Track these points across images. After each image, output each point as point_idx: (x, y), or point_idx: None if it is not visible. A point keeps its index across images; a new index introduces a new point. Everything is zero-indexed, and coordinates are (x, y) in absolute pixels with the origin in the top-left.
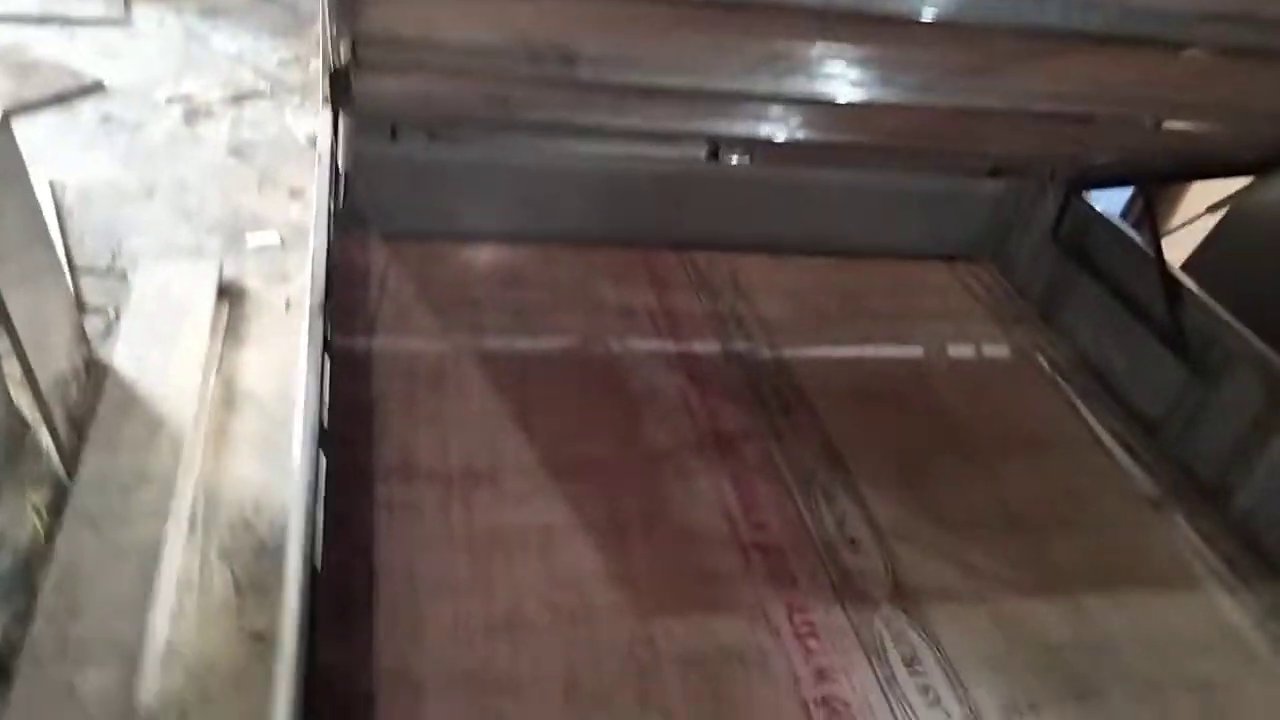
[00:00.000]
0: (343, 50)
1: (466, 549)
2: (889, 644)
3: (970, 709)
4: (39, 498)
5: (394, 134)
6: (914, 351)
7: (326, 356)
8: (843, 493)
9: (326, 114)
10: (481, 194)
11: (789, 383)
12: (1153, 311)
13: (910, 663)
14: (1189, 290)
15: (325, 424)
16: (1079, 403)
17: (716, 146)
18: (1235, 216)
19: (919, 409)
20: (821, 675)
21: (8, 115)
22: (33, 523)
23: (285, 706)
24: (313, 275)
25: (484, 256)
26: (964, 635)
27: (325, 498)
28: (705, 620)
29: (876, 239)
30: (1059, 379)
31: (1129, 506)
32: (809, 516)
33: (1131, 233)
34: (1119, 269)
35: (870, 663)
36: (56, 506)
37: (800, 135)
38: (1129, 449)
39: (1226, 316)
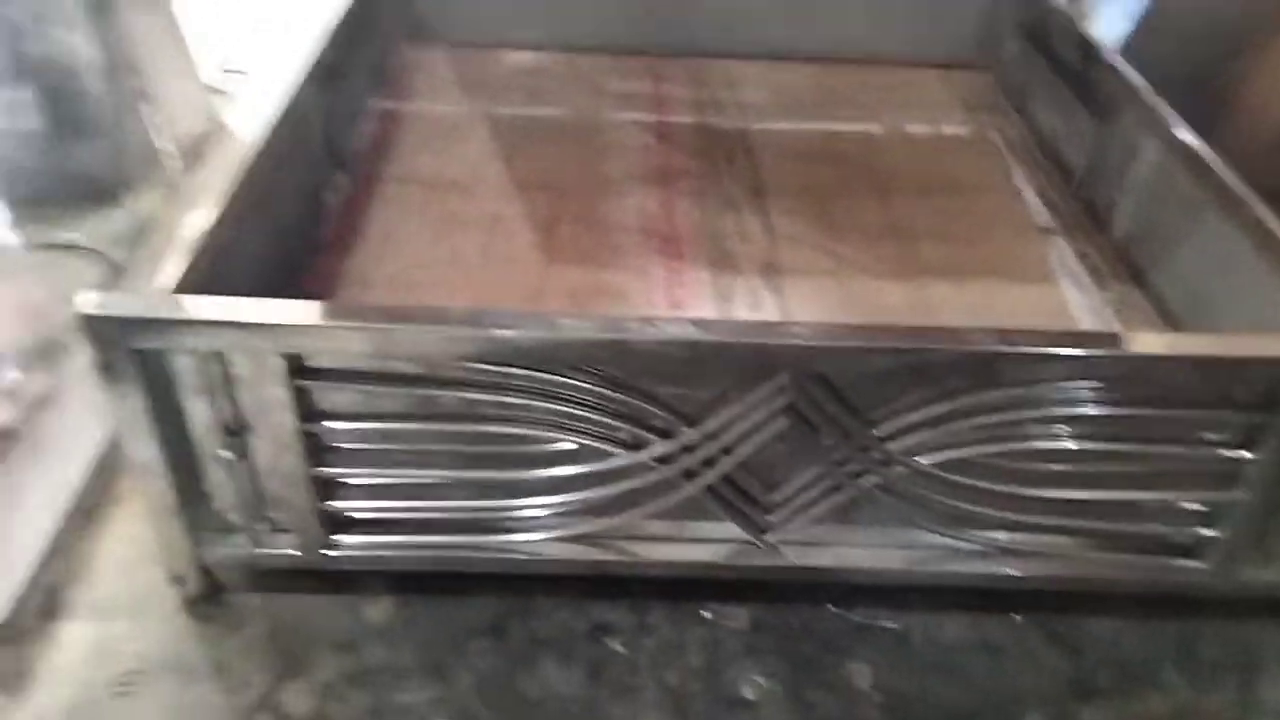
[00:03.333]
0: None
1: (431, 223)
2: (740, 292)
3: None
4: (162, 193)
5: None
6: (873, 128)
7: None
8: (752, 212)
9: None
10: (519, 10)
11: (743, 144)
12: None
13: (752, 306)
14: (1094, 45)
15: (350, 147)
16: (1014, 165)
17: None
18: None
19: (855, 165)
20: (674, 304)
21: None
22: (157, 204)
23: None
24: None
25: (512, 58)
26: (808, 295)
27: (339, 184)
28: (595, 271)
29: (874, 45)
30: (1004, 149)
31: (1017, 231)
32: (714, 222)
33: (1068, 12)
34: (1067, 51)
35: (718, 300)
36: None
37: None
38: (1042, 194)
39: (1114, 61)
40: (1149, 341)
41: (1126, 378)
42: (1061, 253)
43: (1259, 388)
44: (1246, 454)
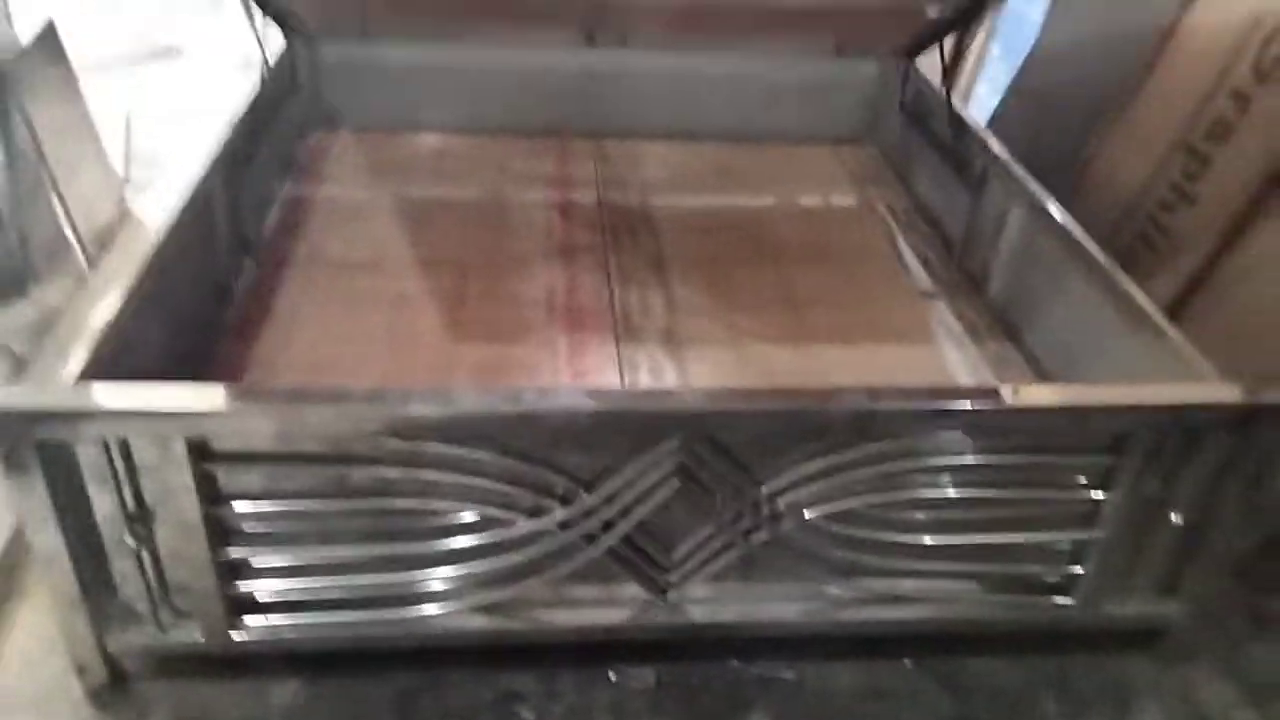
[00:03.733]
0: None
1: (339, 304)
2: (641, 361)
3: None
4: (70, 282)
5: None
6: (767, 201)
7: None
8: (654, 285)
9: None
10: (426, 95)
11: (644, 219)
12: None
13: (653, 372)
14: (965, 121)
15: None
16: (898, 233)
17: (592, 32)
18: (1026, 59)
19: (750, 237)
20: (578, 375)
21: (52, 24)
22: (65, 295)
23: None
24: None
25: (420, 140)
26: (706, 362)
27: (247, 269)
28: (501, 346)
29: (767, 125)
30: (890, 219)
31: (901, 295)
32: (618, 296)
33: (942, 91)
34: (942, 128)
35: (621, 370)
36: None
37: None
38: (924, 260)
39: (983, 136)
40: (1006, 394)
41: (990, 427)
42: (942, 315)
43: (1109, 433)
44: (1102, 494)
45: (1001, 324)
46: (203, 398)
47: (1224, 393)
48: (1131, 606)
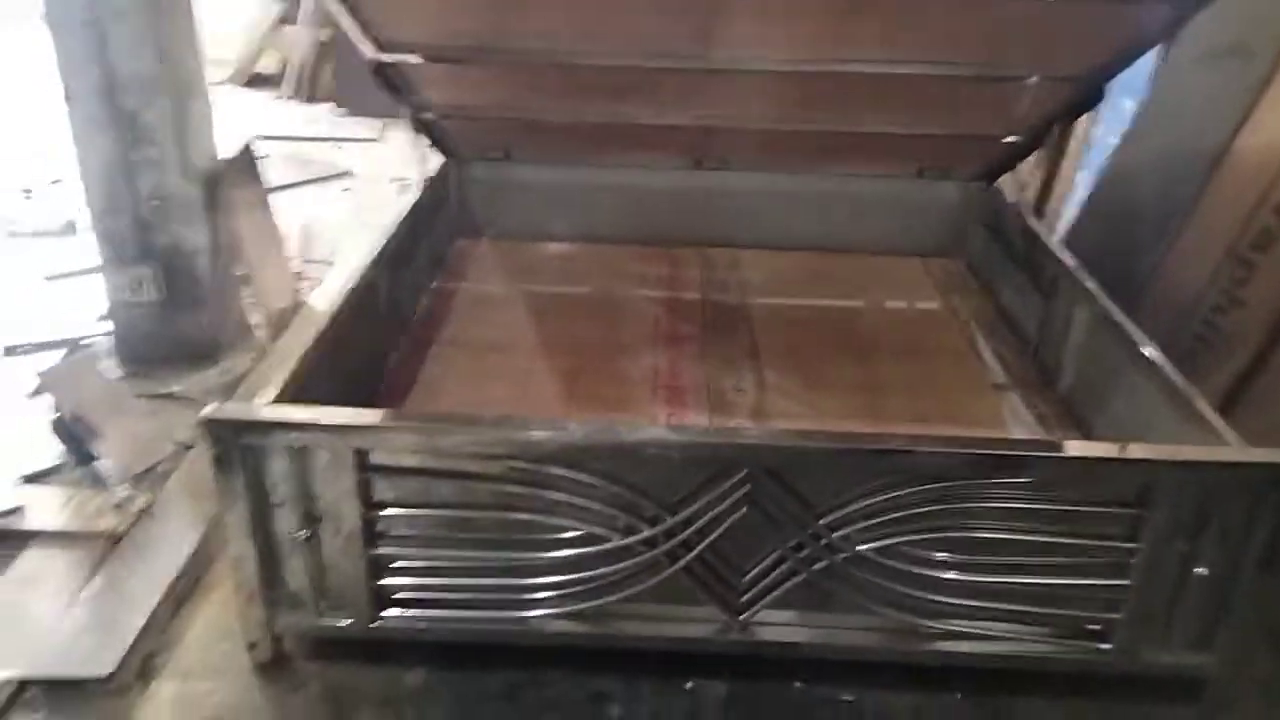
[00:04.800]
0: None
1: (475, 377)
2: None
3: None
4: (252, 355)
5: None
6: (856, 303)
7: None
8: (748, 370)
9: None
10: (555, 210)
11: (743, 316)
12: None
13: None
14: (1038, 234)
15: (410, 317)
16: (977, 333)
17: (698, 157)
18: (1100, 179)
19: (838, 334)
20: None
21: (249, 146)
22: (247, 364)
23: None
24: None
25: (549, 248)
26: None
27: (402, 353)
28: (609, 414)
29: (859, 238)
30: (971, 321)
31: (974, 386)
32: (714, 377)
33: (1018, 207)
34: (1017, 240)
35: None
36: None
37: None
38: (1000, 358)
39: (1052, 246)
40: (1032, 444)
41: (1019, 472)
42: (1015, 405)
43: (1133, 485)
44: (1132, 544)
45: (1071, 415)
46: (366, 416)
47: (1237, 454)
48: (1169, 656)
